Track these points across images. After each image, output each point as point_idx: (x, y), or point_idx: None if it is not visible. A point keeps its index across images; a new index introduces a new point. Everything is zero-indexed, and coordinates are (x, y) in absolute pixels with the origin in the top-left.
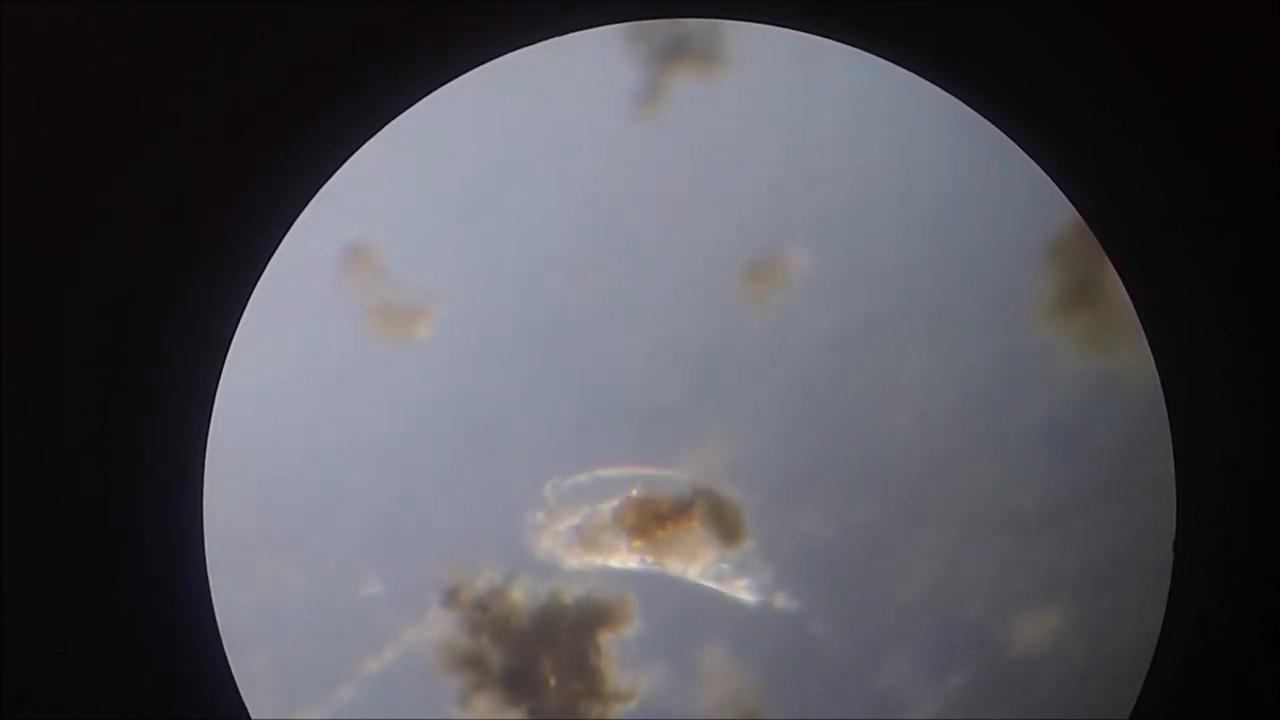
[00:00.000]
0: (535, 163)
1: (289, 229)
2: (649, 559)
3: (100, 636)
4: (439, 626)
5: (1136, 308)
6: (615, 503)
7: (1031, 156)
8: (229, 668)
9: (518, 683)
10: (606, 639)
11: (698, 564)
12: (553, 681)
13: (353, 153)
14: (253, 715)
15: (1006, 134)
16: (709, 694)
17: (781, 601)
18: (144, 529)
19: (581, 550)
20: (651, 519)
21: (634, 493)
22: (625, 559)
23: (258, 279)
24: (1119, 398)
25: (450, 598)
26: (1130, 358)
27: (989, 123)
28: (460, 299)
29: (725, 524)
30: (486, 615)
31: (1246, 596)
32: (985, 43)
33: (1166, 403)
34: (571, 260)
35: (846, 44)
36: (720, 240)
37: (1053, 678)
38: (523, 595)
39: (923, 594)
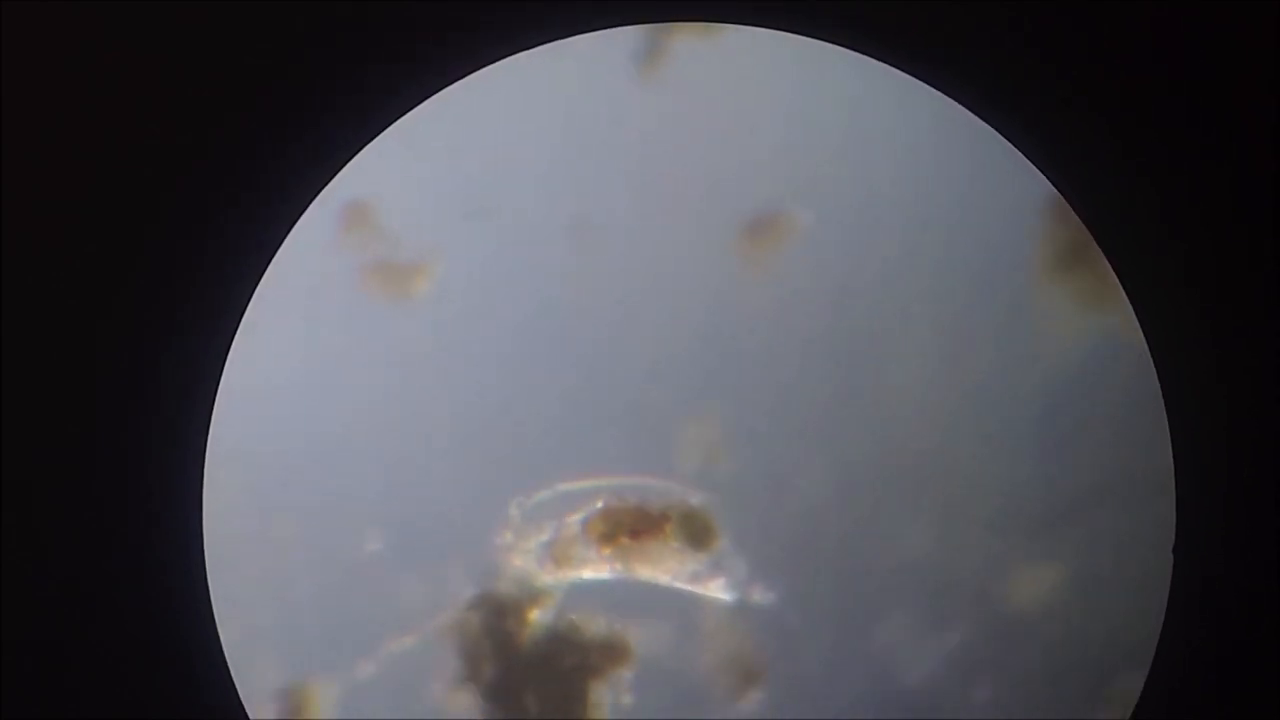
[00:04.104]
0: (534, 123)
1: (297, 219)
2: (619, 567)
3: (95, 610)
4: (438, 601)
5: (1132, 304)
6: (582, 515)
7: (1026, 154)
8: (226, 664)
9: (500, 697)
10: (598, 686)
11: (672, 568)
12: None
13: (362, 147)
14: (254, 670)
15: (1001, 132)
16: (708, 657)
17: (763, 582)
18: (145, 505)
19: (554, 566)
20: (620, 528)
21: (599, 504)
22: (597, 570)
23: (266, 265)
24: (1119, 354)
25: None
26: (1131, 314)
27: (983, 121)
28: (458, 257)
29: (697, 527)
30: (486, 617)
31: (1247, 593)
32: (970, 37)
33: (1165, 401)
34: (571, 218)
35: (838, 45)
36: (722, 198)
37: (1050, 635)
38: (530, 616)
39: (920, 554)
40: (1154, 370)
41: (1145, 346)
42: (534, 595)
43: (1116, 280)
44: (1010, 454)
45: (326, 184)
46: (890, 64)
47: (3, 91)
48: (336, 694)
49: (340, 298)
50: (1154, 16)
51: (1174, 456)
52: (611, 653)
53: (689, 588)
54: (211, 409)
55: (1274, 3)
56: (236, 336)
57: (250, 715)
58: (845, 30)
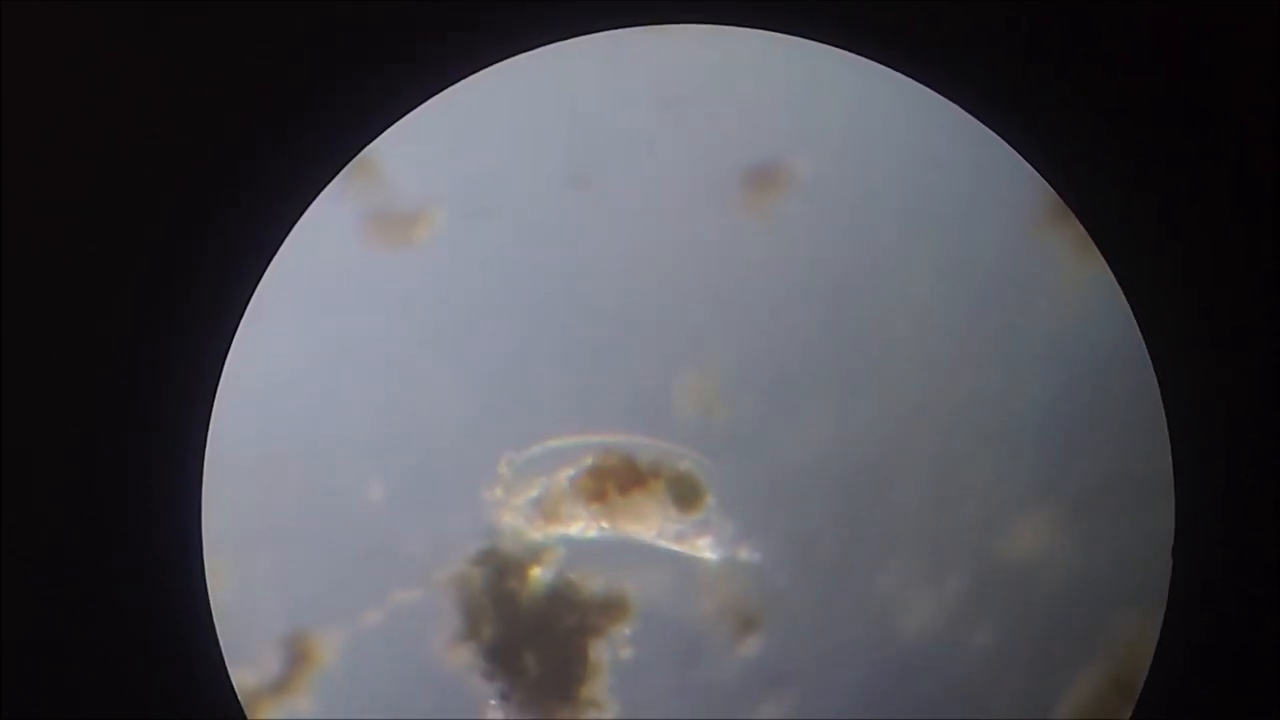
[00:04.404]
0: (533, 82)
1: (297, 219)
2: (607, 525)
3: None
4: (442, 554)
5: (1130, 304)
6: (572, 472)
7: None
8: (225, 665)
9: (500, 656)
10: (597, 644)
11: (661, 525)
12: (535, 671)
13: (362, 147)
14: (259, 618)
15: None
16: (707, 603)
17: (751, 540)
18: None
19: (544, 522)
20: (610, 485)
21: (589, 460)
22: (586, 527)
23: (267, 265)
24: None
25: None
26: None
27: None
28: (459, 205)
29: (686, 485)
30: (488, 573)
31: (1247, 594)
32: (966, 38)
33: (1164, 402)
34: (572, 166)
35: (834, 46)
36: (722, 149)
37: (1050, 582)
38: (531, 574)
39: (919, 500)
40: (1153, 370)
41: (1144, 347)
42: (535, 553)
43: (1114, 281)
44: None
45: (327, 184)
46: (887, 65)
47: (3, 91)
48: (339, 643)
49: (341, 248)
50: (1152, 16)
51: (1173, 456)
52: (610, 611)
53: (677, 546)
54: (211, 408)
55: (1273, 2)
56: (238, 333)
57: (248, 713)
58: (842, 31)
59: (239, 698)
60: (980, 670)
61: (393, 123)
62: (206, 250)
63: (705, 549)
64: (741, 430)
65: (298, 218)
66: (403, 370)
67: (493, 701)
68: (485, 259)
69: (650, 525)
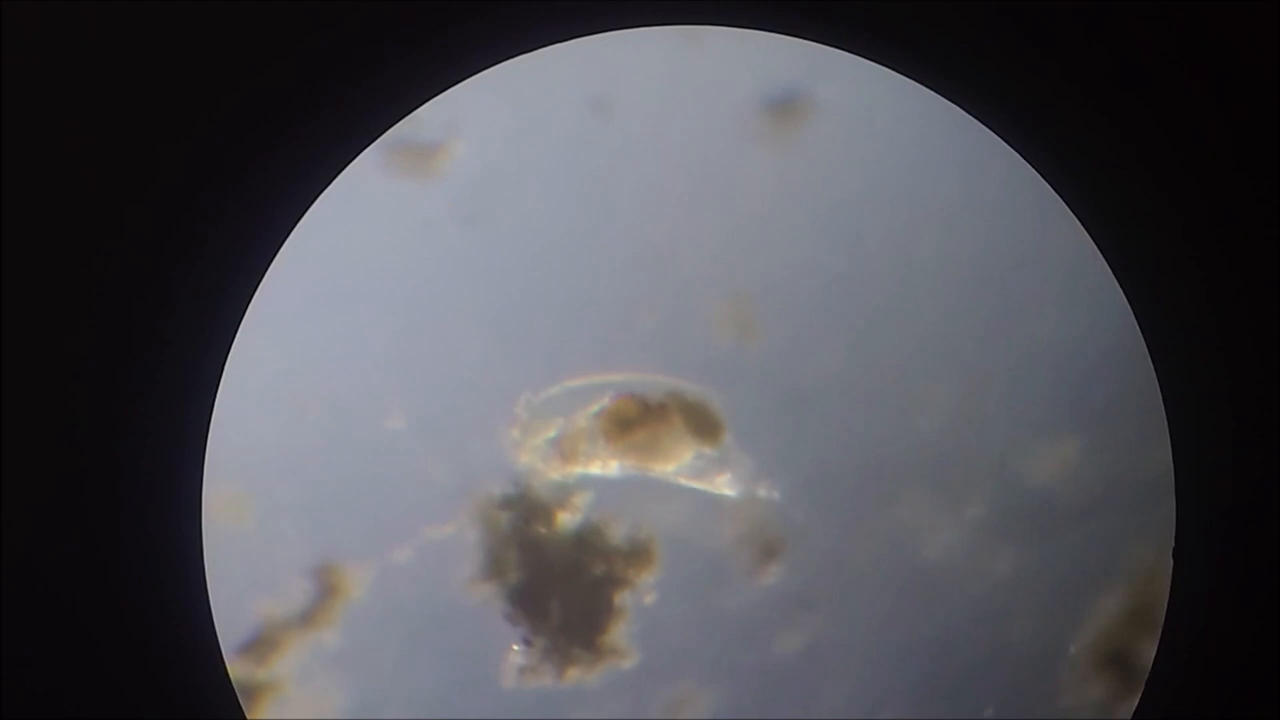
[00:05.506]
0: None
1: (298, 220)
2: (629, 464)
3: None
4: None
5: (1131, 305)
6: (591, 411)
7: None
8: (225, 665)
9: (523, 600)
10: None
11: (681, 460)
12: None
13: (363, 148)
14: (284, 549)
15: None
16: (728, 534)
17: (771, 476)
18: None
19: (561, 462)
20: (628, 424)
21: (606, 400)
22: (605, 466)
23: (268, 265)
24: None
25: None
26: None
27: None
28: (480, 138)
29: (704, 420)
30: (512, 513)
31: (1247, 593)
32: (966, 39)
33: (1165, 402)
34: (593, 96)
35: (835, 48)
36: (748, 80)
37: (1070, 509)
38: (559, 517)
39: (938, 428)
40: (1153, 371)
41: (1145, 347)
42: (558, 495)
43: (1114, 280)
44: (1028, 324)
45: (327, 185)
46: (887, 66)
47: (3, 91)
48: (369, 577)
49: (362, 179)
50: (1152, 17)
51: (1174, 456)
52: (634, 558)
53: (696, 483)
54: (211, 409)
55: (1273, 2)
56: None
57: (246, 712)
58: (842, 32)
59: (238, 697)
60: (1001, 597)
61: (393, 123)
62: (207, 250)
63: (725, 485)
64: (759, 364)
65: (298, 218)
66: (421, 306)
67: (515, 646)
68: (505, 195)
69: (669, 462)
